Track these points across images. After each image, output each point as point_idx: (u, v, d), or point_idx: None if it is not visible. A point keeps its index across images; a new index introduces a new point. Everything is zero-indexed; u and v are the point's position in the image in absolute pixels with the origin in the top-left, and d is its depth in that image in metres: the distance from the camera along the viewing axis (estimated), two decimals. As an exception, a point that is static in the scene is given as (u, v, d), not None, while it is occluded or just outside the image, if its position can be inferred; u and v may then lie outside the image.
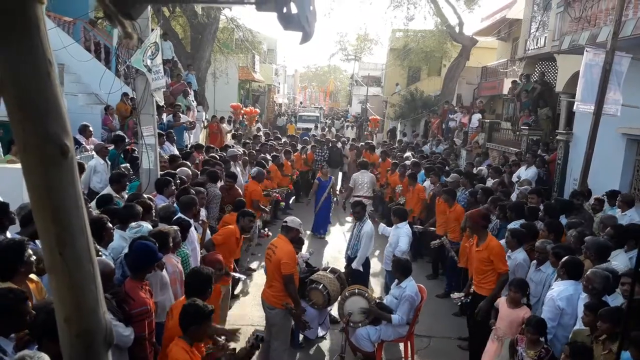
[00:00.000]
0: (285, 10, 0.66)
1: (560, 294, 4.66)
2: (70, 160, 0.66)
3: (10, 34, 0.61)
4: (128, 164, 8.25)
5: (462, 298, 6.28)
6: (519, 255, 5.81)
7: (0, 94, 0.64)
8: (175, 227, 5.08)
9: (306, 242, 6.84)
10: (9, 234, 4.57)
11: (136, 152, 8.39)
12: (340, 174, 17.12)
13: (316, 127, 29.27)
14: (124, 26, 0.68)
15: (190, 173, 8.22)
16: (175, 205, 6.27)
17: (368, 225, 7.05)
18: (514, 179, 10.54)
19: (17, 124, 0.63)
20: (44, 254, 0.70)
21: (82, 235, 0.69)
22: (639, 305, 3.34)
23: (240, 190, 8.38)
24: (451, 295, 6.66)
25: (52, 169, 0.65)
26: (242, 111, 21.57)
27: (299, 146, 15.74)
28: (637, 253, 2.37)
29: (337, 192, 12.94)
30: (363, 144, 17.55)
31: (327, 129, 27.30)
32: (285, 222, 5.67)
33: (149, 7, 7.35)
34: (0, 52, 0.61)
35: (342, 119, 39.82)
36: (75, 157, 0.67)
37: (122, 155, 9.16)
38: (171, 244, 4.81)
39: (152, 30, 7.27)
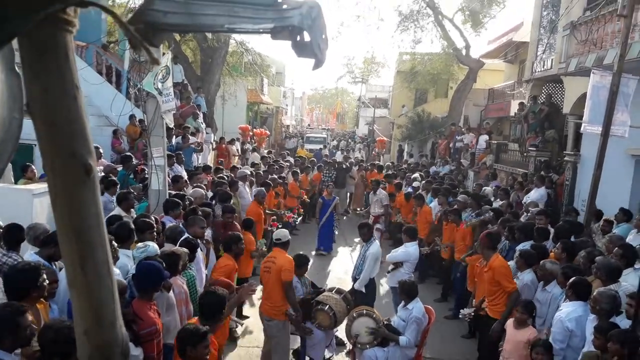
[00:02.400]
0: (299, 38, 0.70)
1: (569, 315, 4.62)
2: (93, 179, 0.70)
3: (42, 61, 0.66)
4: (140, 185, 8.34)
5: (471, 314, 6.23)
6: (527, 276, 5.77)
7: (30, 115, 0.69)
8: (186, 250, 5.11)
9: (311, 261, 6.86)
10: (29, 254, 4.65)
11: (146, 173, 8.48)
12: (348, 194, 17.16)
13: (342, 150, 28.34)
14: (149, 52, 0.72)
15: (204, 194, 8.31)
16: (181, 226, 6.32)
17: (375, 246, 7.04)
18: (525, 200, 10.50)
19: (45, 144, 0.67)
20: (65, 268, 0.73)
21: (103, 251, 0.72)
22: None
23: (238, 226, 8.12)
24: (460, 312, 6.60)
25: (76, 188, 0.69)
26: (252, 133, 21.75)
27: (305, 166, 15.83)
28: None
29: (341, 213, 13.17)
30: (369, 164, 17.65)
31: (344, 151, 26.96)
32: (279, 239, 6.00)
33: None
34: (33, 78, 0.66)
35: (350, 140, 39.88)
36: (97, 176, 0.71)
37: (132, 177, 9.24)
38: (180, 266, 4.85)
39: (164, 54, 7.42)
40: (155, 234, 5.71)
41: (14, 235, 4.81)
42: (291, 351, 6.61)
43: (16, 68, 0.84)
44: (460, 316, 6.48)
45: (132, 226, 5.31)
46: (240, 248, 6.10)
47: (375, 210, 12.11)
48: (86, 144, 0.68)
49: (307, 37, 0.70)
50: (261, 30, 0.69)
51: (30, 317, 3.02)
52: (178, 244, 5.48)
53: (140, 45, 0.70)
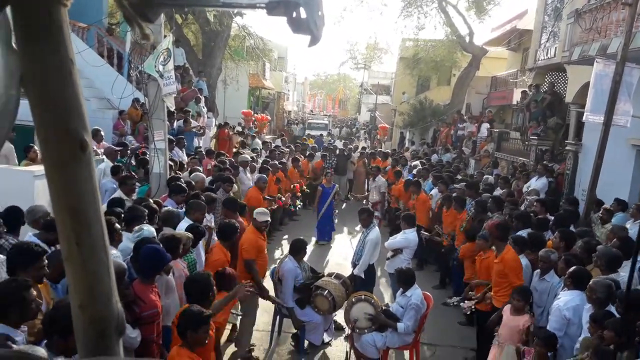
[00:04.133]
0: (294, 14, 0.69)
1: (566, 304, 4.64)
2: (88, 155, 0.70)
3: (36, 35, 0.65)
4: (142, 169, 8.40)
5: (472, 307, 6.20)
6: (521, 261, 5.78)
7: (24, 90, 0.69)
8: (190, 235, 5.13)
9: (309, 249, 6.87)
10: (29, 236, 4.67)
11: (147, 156, 8.50)
12: (348, 181, 17.14)
13: (341, 138, 27.78)
14: (141, 28, 0.71)
15: (205, 178, 8.34)
16: (180, 210, 6.36)
17: (374, 232, 7.06)
18: (525, 189, 10.50)
19: (39, 119, 0.67)
20: (60, 244, 0.73)
21: (98, 227, 0.73)
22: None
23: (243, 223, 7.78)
24: (461, 305, 6.54)
25: (71, 163, 0.69)
26: (253, 118, 21.68)
27: (308, 153, 15.78)
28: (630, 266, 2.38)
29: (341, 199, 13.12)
30: (372, 151, 17.64)
31: (344, 139, 26.54)
32: (254, 218, 6.37)
33: (162, 14, 7.46)
34: (27, 52, 0.66)
35: (352, 127, 39.58)
36: (92, 153, 0.71)
37: (132, 163, 9.23)
38: (180, 250, 4.87)
39: (165, 36, 7.37)
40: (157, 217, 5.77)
41: (12, 217, 4.83)
42: (290, 335, 6.68)
43: (13, 44, 0.83)
44: (462, 308, 6.43)
45: (143, 211, 5.35)
46: (235, 240, 6.04)
47: (373, 197, 12.09)
48: (81, 119, 0.69)
49: (302, 13, 0.69)
50: (257, 6, 0.69)
51: (34, 292, 3.05)
52: (185, 229, 5.50)
53: (133, 20, 0.69)
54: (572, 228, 6.83)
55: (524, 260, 5.83)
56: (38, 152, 8.25)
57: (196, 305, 3.75)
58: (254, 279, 5.98)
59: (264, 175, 9.79)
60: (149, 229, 5.02)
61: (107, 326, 0.73)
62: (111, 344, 0.74)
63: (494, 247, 6.07)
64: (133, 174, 8.00)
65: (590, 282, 4.40)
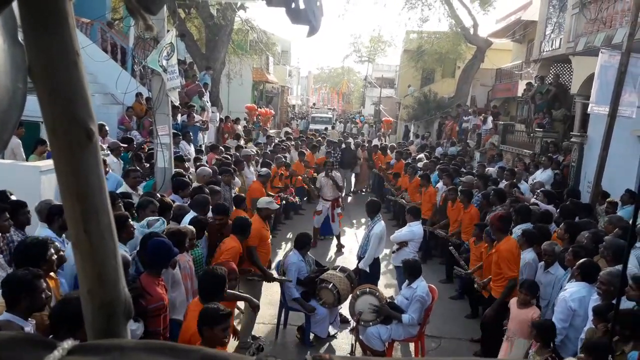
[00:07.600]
0: (293, 5, 0.71)
1: (572, 295, 4.63)
2: (95, 143, 0.72)
3: (42, 27, 0.67)
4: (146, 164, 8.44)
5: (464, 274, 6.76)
6: (528, 255, 5.80)
7: (32, 82, 0.71)
8: (192, 228, 5.16)
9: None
10: (39, 229, 4.71)
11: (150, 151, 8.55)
12: (354, 175, 17.14)
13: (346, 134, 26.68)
14: (144, 19, 0.73)
15: (211, 172, 8.40)
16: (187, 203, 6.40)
17: (379, 226, 7.08)
18: (530, 181, 10.48)
19: (47, 109, 0.69)
20: (69, 230, 0.76)
21: (105, 214, 0.75)
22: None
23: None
24: (455, 269, 7.07)
25: (78, 151, 0.71)
26: (257, 112, 21.69)
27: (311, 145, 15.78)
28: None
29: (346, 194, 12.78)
30: (374, 145, 17.61)
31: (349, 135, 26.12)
32: (260, 209, 6.59)
33: (165, 9, 7.47)
34: (34, 43, 0.68)
35: (359, 121, 39.22)
36: (99, 141, 0.73)
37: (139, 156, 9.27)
38: (187, 244, 4.90)
39: (168, 31, 7.38)
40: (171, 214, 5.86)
41: (17, 211, 4.85)
42: (296, 327, 6.72)
43: (19, 38, 0.85)
44: (455, 273, 7.14)
45: (156, 202, 5.42)
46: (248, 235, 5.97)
47: (330, 194, 10.86)
48: (87, 109, 0.71)
49: (301, 4, 0.71)
50: (257, -3, 0.70)
51: (44, 283, 3.11)
52: (189, 222, 5.53)
53: (136, 11, 0.71)
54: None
55: (531, 254, 5.83)
56: (46, 147, 8.29)
57: (216, 303, 3.72)
58: (256, 265, 6.12)
59: (269, 172, 9.81)
60: (163, 224, 5.04)
61: (115, 310, 0.76)
62: (119, 327, 0.77)
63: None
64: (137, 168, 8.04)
65: (603, 274, 4.31)
